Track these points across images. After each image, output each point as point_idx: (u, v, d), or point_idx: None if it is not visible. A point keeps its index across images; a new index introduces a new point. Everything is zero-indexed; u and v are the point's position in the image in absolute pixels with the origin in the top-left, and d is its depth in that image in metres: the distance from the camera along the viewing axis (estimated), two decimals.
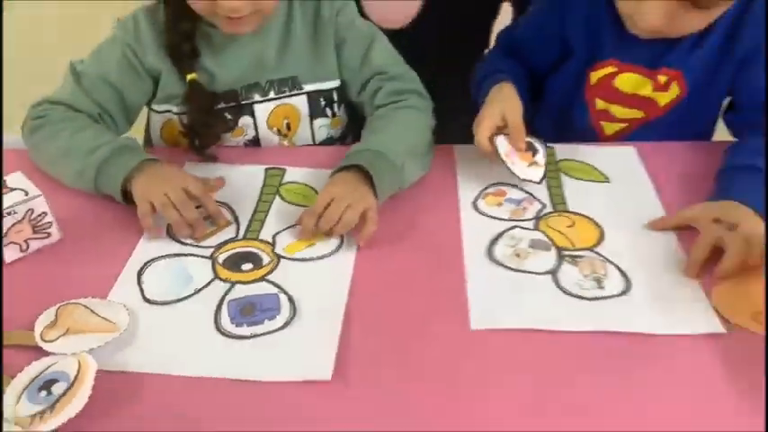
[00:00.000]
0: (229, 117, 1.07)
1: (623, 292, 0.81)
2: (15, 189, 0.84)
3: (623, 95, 1.10)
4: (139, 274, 0.84)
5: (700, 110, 1.11)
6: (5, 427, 0.65)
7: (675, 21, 0.95)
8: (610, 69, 1.09)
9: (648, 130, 1.12)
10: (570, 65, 1.13)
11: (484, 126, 0.99)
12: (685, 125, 1.11)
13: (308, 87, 1.10)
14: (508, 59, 1.16)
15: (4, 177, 0.85)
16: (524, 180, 0.98)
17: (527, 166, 0.99)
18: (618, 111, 1.12)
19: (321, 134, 1.13)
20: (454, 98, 1.14)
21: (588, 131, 1.15)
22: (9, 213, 0.82)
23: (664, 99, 1.09)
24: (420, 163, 0.99)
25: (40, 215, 0.85)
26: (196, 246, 0.89)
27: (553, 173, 1.02)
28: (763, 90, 1.03)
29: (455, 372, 0.72)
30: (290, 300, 0.80)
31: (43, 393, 0.68)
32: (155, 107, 1.09)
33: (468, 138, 1.02)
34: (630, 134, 1.14)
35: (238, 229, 0.91)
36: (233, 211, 0.94)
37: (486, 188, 0.99)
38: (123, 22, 1.04)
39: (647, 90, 1.09)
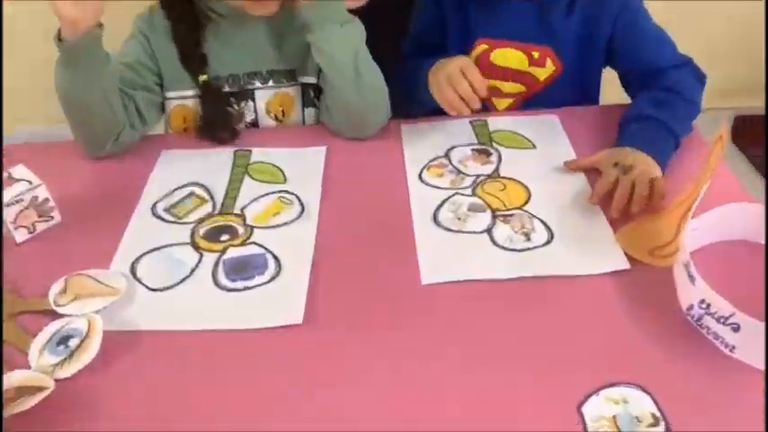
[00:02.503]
0: (233, 101, 1.20)
1: (547, 242, 0.95)
2: (20, 180, 0.95)
3: (502, 70, 1.23)
4: (134, 272, 0.92)
5: (578, 83, 1.25)
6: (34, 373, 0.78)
7: None
8: (483, 47, 1.22)
9: (534, 104, 1.25)
10: (451, 49, 1.23)
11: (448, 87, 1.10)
12: (567, 98, 1.23)
13: (302, 80, 1.23)
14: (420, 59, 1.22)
15: (10, 170, 0.97)
16: None
17: (480, 165, 1.11)
18: (504, 86, 1.25)
19: (310, 122, 1.26)
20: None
21: (482, 109, 1.17)
22: (17, 201, 0.94)
23: (542, 74, 1.23)
24: None
25: (42, 201, 0.97)
26: (175, 232, 0.98)
27: (487, 144, 1.15)
28: (642, 60, 1.18)
29: (411, 320, 0.85)
30: (276, 258, 0.93)
31: (61, 347, 0.80)
32: (168, 95, 1.21)
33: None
34: (518, 108, 1.27)
35: (215, 205, 1.03)
36: (209, 191, 1.06)
37: (430, 161, 1.11)
38: (141, 15, 1.21)
39: (523, 65, 1.22)
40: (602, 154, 1.07)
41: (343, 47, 1.12)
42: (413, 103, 1.19)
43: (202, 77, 1.17)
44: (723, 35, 2.32)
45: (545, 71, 1.23)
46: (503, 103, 1.28)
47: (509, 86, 1.26)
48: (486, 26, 1.21)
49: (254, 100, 1.22)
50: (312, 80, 1.23)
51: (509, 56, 1.22)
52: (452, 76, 1.11)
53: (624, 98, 1.22)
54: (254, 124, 1.24)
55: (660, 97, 1.12)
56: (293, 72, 1.22)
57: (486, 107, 1.26)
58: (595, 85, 1.30)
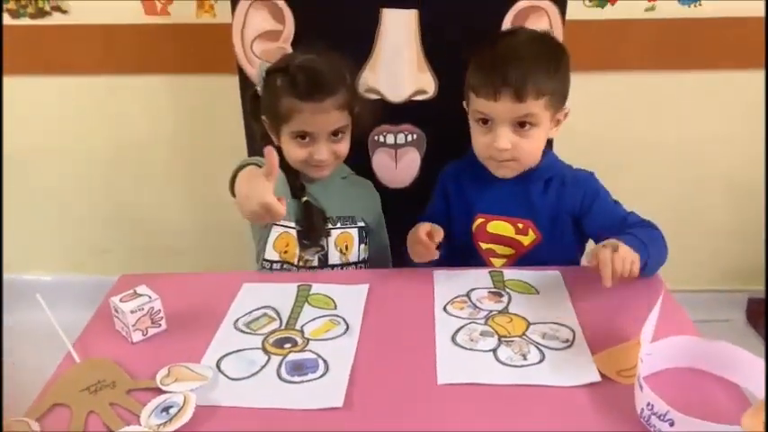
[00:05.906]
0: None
1: (539, 362, 1.20)
2: (142, 295, 1.28)
3: (496, 237, 1.59)
4: (218, 366, 1.19)
5: (556, 249, 1.56)
6: (144, 428, 1.06)
7: (517, 145, 1.45)
8: (481, 220, 1.59)
9: (522, 263, 1.54)
10: (455, 224, 1.62)
11: (419, 231, 1.45)
12: (547, 260, 1.51)
13: (359, 224, 1.66)
14: None
15: (136, 288, 1.31)
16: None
17: (494, 303, 1.40)
18: (498, 249, 1.59)
19: (362, 255, 1.67)
20: None
21: (482, 265, 1.55)
22: (140, 310, 1.25)
23: (525, 241, 1.57)
24: None
25: (156, 312, 1.28)
26: (250, 340, 1.28)
27: (501, 288, 1.44)
28: (608, 219, 1.49)
29: (427, 408, 1.10)
30: (325, 362, 1.21)
31: (164, 413, 1.07)
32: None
33: None
34: (509, 267, 1.55)
35: (281, 322, 1.34)
36: (278, 312, 1.36)
37: (454, 298, 1.40)
38: None
39: (511, 233, 1.56)
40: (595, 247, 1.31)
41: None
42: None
43: (305, 198, 1.58)
44: (731, 220, 2.47)
45: (528, 239, 1.57)
46: (497, 262, 1.61)
47: (502, 249, 1.60)
48: (482, 204, 1.59)
49: (327, 237, 1.62)
50: (363, 224, 1.67)
51: (500, 227, 1.58)
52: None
53: None
54: (325, 256, 1.63)
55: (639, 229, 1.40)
56: (354, 218, 1.66)
57: (486, 265, 1.60)
58: (573, 251, 1.62)
